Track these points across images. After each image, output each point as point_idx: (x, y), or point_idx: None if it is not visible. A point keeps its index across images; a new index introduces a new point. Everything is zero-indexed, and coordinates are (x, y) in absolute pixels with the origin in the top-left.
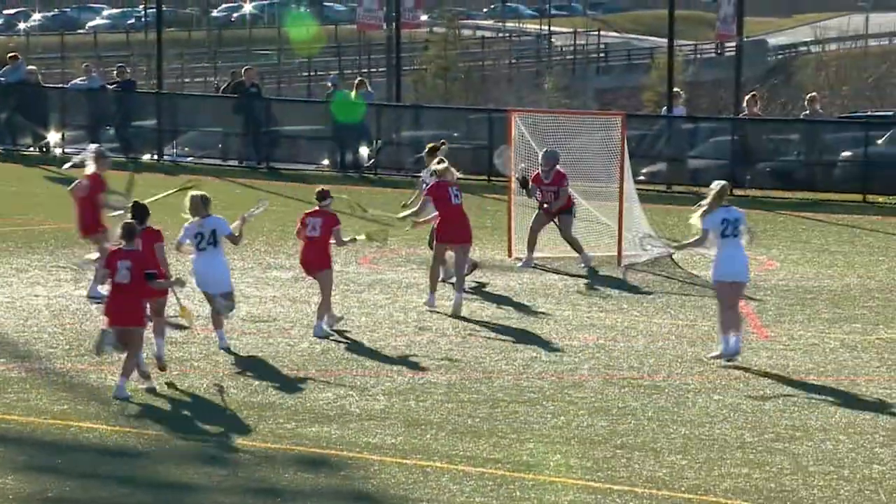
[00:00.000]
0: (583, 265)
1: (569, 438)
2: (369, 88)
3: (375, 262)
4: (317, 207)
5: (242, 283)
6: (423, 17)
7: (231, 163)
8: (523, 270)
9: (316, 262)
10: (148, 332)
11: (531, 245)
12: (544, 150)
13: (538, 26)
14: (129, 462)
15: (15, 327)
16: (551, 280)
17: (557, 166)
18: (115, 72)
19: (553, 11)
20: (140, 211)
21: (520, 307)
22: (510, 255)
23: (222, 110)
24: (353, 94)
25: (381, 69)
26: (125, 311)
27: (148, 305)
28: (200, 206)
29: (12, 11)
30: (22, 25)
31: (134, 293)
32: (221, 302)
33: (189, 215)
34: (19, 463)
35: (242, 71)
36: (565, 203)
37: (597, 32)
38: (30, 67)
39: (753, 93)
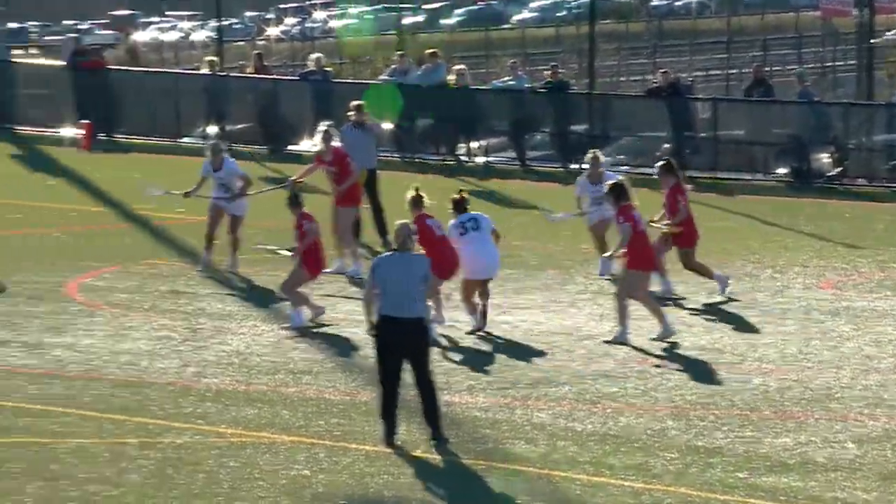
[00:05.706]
0: None
1: None
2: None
3: (841, 287)
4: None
5: (686, 308)
6: None
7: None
8: None
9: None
10: None
11: None
12: None
13: None
14: None
15: None
16: None
17: None
18: (546, 71)
19: None
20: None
21: None
22: None
23: (658, 114)
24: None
25: (849, 62)
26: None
27: None
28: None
29: (435, 6)
30: (445, 21)
31: None
32: None
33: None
34: None
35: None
36: None
37: None
38: (457, 67)
39: None
